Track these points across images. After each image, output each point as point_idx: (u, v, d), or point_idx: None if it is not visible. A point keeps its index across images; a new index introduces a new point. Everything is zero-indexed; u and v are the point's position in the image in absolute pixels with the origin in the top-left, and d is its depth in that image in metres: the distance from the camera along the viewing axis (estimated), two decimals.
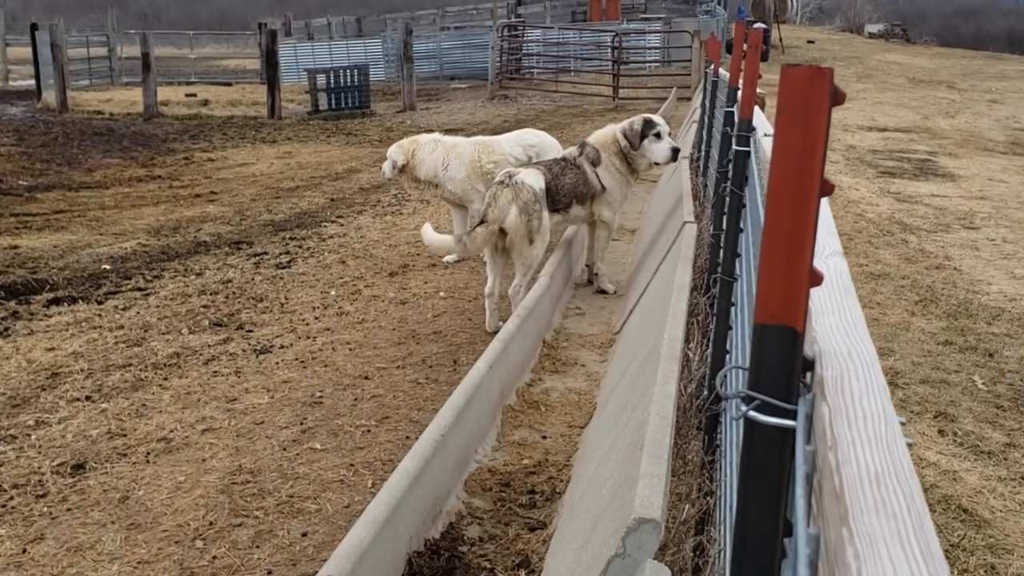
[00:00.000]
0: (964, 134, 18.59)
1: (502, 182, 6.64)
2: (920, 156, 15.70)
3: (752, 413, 1.09)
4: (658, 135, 7.14)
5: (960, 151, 16.38)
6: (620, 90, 24.82)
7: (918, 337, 6.80)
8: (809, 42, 39.92)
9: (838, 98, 1.04)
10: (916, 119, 20.58)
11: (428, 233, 6.59)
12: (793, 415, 1.08)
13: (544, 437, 4.88)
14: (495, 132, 19.49)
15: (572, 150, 7.29)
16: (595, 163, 7.14)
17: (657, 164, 7.34)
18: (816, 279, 1.08)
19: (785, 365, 1.08)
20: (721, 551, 2.52)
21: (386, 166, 8.34)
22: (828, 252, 1.59)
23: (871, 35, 55.28)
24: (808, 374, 1.13)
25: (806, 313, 1.07)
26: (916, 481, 0.82)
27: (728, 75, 5.90)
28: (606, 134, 7.32)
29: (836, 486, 0.84)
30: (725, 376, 2.34)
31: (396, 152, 8.29)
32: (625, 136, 7.16)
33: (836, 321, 1.24)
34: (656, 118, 7.27)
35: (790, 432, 1.08)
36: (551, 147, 8.56)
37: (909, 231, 10.35)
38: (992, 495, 4.59)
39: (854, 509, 0.78)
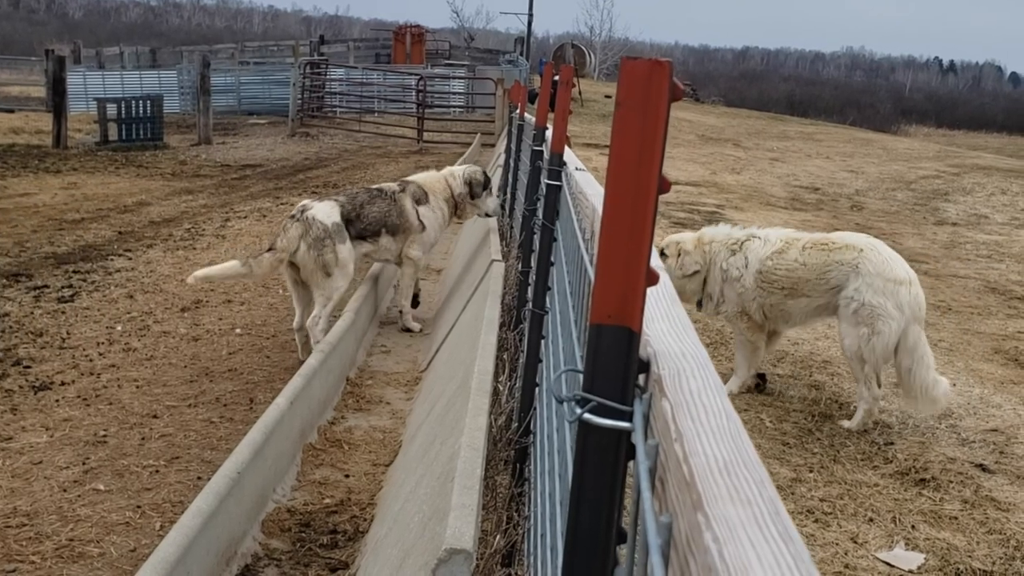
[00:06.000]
0: (749, 189, 19.75)
1: (293, 216, 6.58)
2: (709, 208, 16.52)
3: (587, 415, 1.05)
4: (491, 190, 7.86)
5: (745, 205, 17.35)
6: (425, 133, 24.92)
7: None
8: (607, 96, 41.39)
9: (676, 93, 1.03)
10: (705, 174, 21.70)
11: (202, 271, 6.42)
12: (629, 417, 1.05)
13: (347, 476, 4.73)
14: (295, 169, 19.23)
15: (392, 185, 7.30)
16: (419, 202, 7.26)
17: (487, 215, 7.98)
18: (653, 278, 1.06)
19: (621, 366, 1.05)
20: None
21: None
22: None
23: None
24: (642, 376, 1.10)
25: (643, 313, 1.05)
26: (764, 470, 0.81)
27: (534, 119, 6.02)
28: (435, 178, 7.58)
29: (686, 475, 0.81)
30: (559, 380, 2.32)
31: None
32: (469, 184, 7.60)
33: (666, 327, 1.23)
34: (488, 173, 7.74)
35: (625, 434, 1.05)
36: None
37: None
38: None
39: (707, 496, 0.76)
